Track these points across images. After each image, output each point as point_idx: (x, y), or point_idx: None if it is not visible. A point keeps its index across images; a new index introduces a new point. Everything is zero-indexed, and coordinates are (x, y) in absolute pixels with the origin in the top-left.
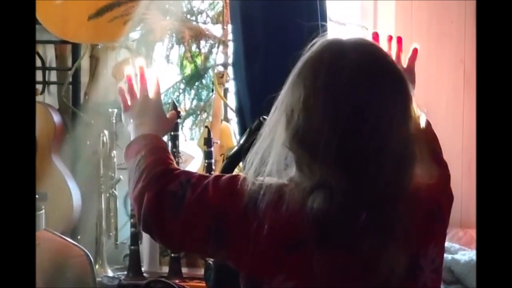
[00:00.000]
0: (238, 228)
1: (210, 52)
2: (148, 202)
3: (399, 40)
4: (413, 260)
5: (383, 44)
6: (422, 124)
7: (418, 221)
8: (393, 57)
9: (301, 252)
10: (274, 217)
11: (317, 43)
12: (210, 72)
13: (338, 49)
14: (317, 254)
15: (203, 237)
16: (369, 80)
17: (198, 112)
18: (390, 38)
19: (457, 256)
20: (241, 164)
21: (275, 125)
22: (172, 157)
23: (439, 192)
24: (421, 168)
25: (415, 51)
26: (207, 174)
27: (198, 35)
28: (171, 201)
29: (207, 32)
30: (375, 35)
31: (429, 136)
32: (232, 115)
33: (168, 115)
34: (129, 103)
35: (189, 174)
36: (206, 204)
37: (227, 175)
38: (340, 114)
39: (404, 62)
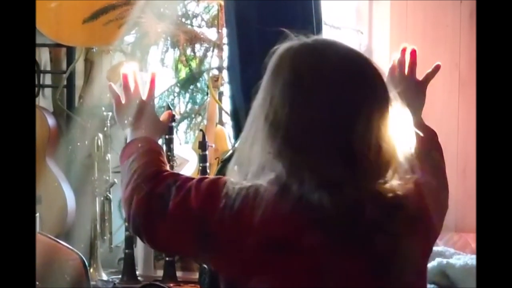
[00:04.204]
0: (218, 230)
1: (205, 55)
2: (137, 204)
3: (413, 52)
4: (401, 262)
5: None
6: (415, 130)
7: (406, 224)
8: (406, 68)
9: (284, 253)
10: (255, 219)
11: (285, 49)
12: (205, 75)
13: (315, 52)
14: (313, 255)
15: (187, 239)
16: (355, 77)
17: (193, 116)
18: (404, 50)
19: (452, 260)
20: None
21: (256, 131)
22: (165, 159)
23: (428, 204)
24: (416, 175)
25: (437, 67)
26: (193, 177)
27: (193, 38)
28: (158, 204)
29: (202, 36)
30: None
31: (432, 147)
32: (227, 119)
33: (161, 117)
34: (122, 100)
35: (176, 176)
36: (189, 207)
37: (211, 178)
38: (332, 117)
39: (418, 74)
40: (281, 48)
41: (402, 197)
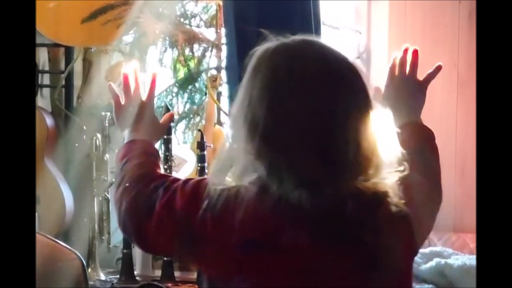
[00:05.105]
0: (201, 231)
1: (203, 55)
2: (126, 205)
3: (415, 52)
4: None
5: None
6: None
7: (387, 222)
8: (407, 68)
9: (265, 252)
10: (236, 220)
11: (263, 50)
12: (203, 75)
13: (292, 52)
14: (293, 254)
15: (172, 240)
16: (332, 76)
17: (191, 116)
18: (406, 50)
19: (450, 261)
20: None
21: (236, 132)
22: (159, 162)
23: (413, 202)
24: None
25: (439, 67)
26: (180, 178)
27: (192, 38)
28: (146, 205)
29: (200, 36)
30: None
31: (425, 146)
32: (225, 119)
33: (162, 119)
34: (121, 101)
35: (164, 177)
36: (173, 208)
37: (196, 179)
38: (309, 116)
39: (421, 72)
40: (259, 49)
41: (382, 194)
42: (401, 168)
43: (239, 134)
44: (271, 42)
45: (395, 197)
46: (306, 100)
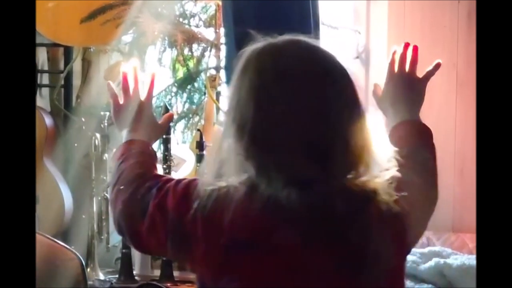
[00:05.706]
0: (192, 231)
1: (202, 55)
2: (121, 205)
3: (415, 49)
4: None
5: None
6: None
7: (376, 219)
8: (407, 65)
9: (254, 252)
10: (226, 220)
11: (251, 51)
12: (203, 75)
13: (278, 52)
14: (283, 253)
15: (164, 240)
16: (318, 75)
17: (190, 115)
18: (407, 45)
19: (449, 260)
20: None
21: (225, 133)
22: (155, 162)
23: (405, 199)
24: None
25: (438, 65)
26: (174, 178)
27: (191, 38)
28: (139, 205)
29: (199, 36)
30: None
31: (422, 144)
32: None
33: (161, 119)
34: (120, 101)
35: (158, 178)
36: (165, 208)
37: (188, 179)
38: (295, 116)
39: (419, 71)
40: (247, 50)
41: (372, 192)
42: (394, 166)
43: (228, 134)
44: (259, 43)
45: (385, 195)
46: (293, 100)
